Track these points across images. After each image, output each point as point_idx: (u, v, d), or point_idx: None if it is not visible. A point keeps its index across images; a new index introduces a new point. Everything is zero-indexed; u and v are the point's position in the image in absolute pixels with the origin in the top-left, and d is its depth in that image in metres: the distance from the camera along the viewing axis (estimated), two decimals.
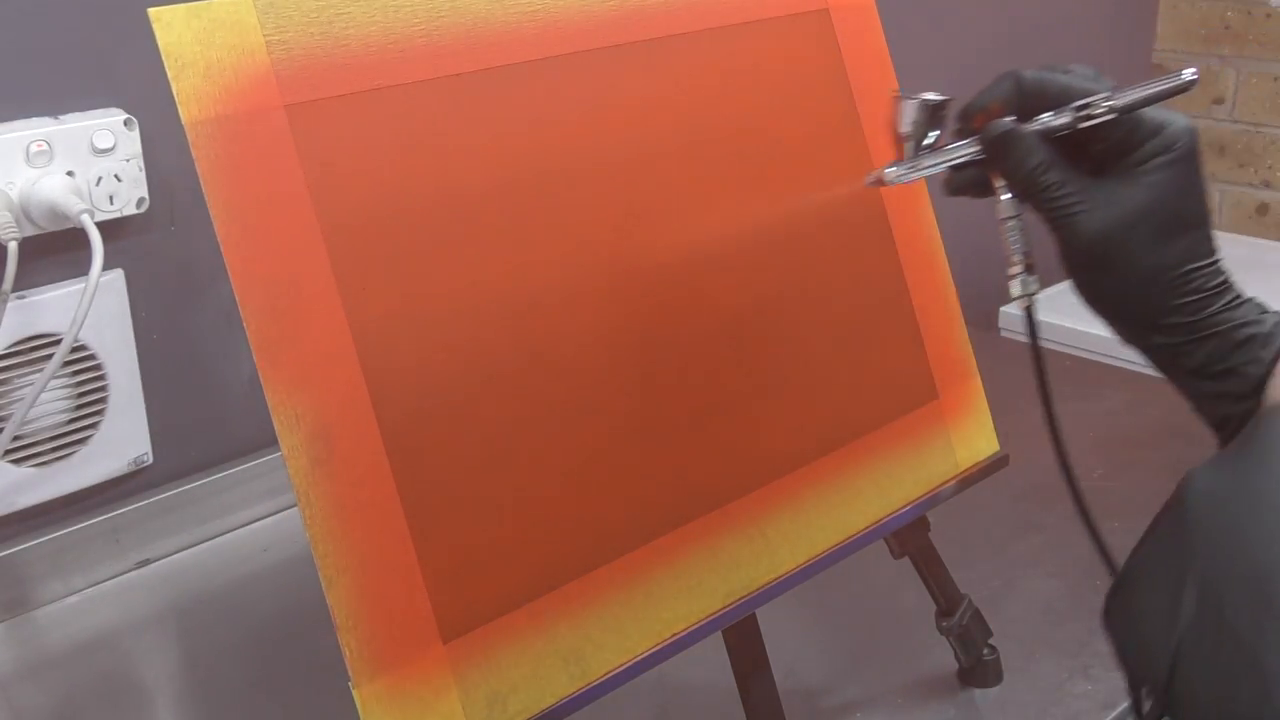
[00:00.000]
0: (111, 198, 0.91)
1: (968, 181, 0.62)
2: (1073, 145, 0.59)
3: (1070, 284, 0.60)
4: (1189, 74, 0.58)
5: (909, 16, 1.43)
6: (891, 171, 0.63)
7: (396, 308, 0.56)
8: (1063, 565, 0.94)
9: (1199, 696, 0.46)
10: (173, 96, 0.53)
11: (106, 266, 0.88)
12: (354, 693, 0.54)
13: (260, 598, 0.95)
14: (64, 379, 0.92)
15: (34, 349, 0.90)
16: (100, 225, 0.88)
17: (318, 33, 0.56)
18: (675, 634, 0.63)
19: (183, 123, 0.53)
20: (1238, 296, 0.59)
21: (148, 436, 0.98)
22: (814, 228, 0.72)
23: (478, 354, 0.59)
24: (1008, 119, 0.59)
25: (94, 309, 0.88)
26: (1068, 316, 1.49)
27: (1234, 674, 0.44)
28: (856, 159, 0.74)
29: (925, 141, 0.62)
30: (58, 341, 0.89)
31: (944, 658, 0.81)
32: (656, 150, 0.66)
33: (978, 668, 0.80)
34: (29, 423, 0.90)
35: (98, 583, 0.96)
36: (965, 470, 0.77)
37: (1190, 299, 0.58)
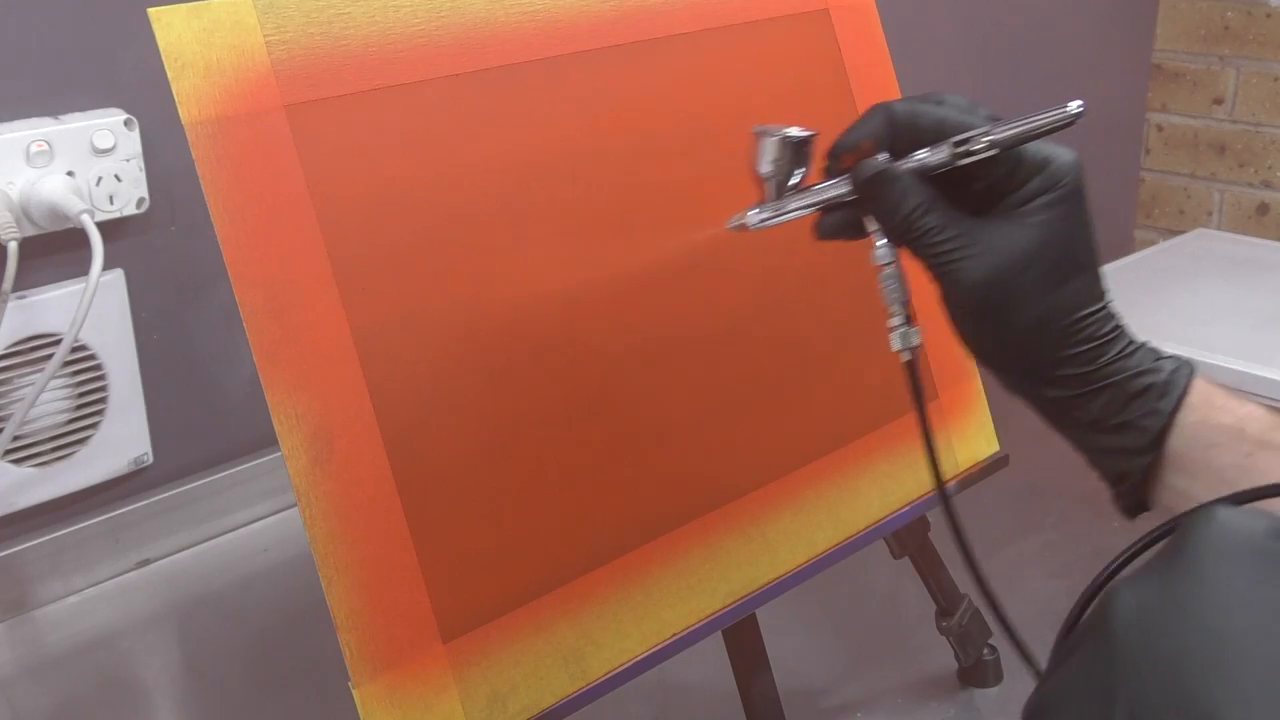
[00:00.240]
0: (112, 198, 0.91)
1: (840, 224, 0.57)
2: (951, 183, 0.55)
3: (954, 333, 0.56)
4: (1075, 106, 0.53)
5: (909, 16, 1.43)
6: (754, 215, 0.58)
7: (396, 308, 0.56)
8: (1063, 565, 0.94)
9: None
10: (173, 96, 0.53)
11: (106, 266, 0.88)
12: (354, 692, 0.54)
13: (260, 598, 0.95)
14: (64, 379, 0.92)
15: (34, 349, 0.90)
16: (100, 225, 0.88)
17: (318, 33, 0.56)
18: (675, 634, 0.63)
19: (183, 123, 0.53)
20: (1131, 343, 0.55)
21: (148, 436, 0.98)
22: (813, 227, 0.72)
23: (477, 354, 0.59)
24: (880, 157, 0.55)
25: (94, 309, 0.88)
26: None
27: None
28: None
29: (791, 181, 0.57)
30: (58, 341, 0.89)
31: (944, 658, 0.81)
32: (656, 150, 0.66)
33: (977, 668, 0.80)
34: (29, 423, 0.90)
35: (98, 583, 0.96)
36: (965, 470, 0.77)
37: (1083, 348, 0.54)
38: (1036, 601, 0.90)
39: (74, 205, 0.86)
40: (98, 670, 0.87)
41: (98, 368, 0.94)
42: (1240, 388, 1.30)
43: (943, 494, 0.57)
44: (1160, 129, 1.81)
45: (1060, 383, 0.55)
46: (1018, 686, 0.81)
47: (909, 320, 0.57)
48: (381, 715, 0.54)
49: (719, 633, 0.66)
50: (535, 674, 0.59)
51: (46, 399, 0.91)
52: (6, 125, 0.87)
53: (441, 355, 0.58)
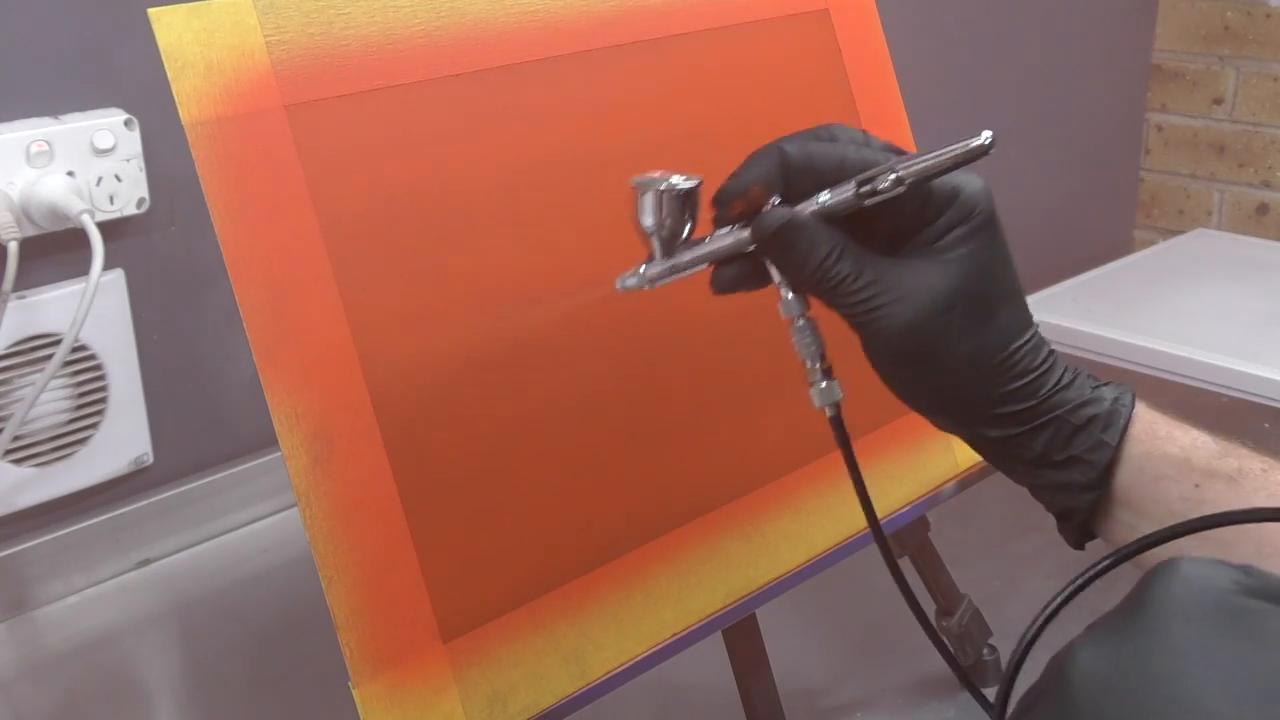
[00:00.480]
0: (112, 198, 0.91)
1: (738, 276, 0.53)
2: (858, 224, 0.51)
3: (881, 379, 0.54)
4: (985, 136, 0.49)
5: (909, 17, 1.43)
6: (645, 272, 0.54)
7: (396, 307, 0.56)
8: (1063, 565, 0.94)
9: None
10: (173, 96, 0.53)
11: (107, 266, 0.88)
12: (354, 692, 0.54)
13: (260, 598, 0.95)
14: (64, 379, 0.92)
15: (34, 349, 0.90)
16: (100, 225, 0.88)
17: (318, 33, 0.56)
18: (675, 634, 0.63)
19: (183, 123, 0.53)
20: (1066, 370, 0.53)
21: (148, 436, 0.98)
22: None
23: (477, 354, 0.59)
24: (775, 200, 0.51)
25: (94, 309, 0.88)
26: (1067, 316, 1.50)
27: None
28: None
29: (684, 234, 0.53)
30: (58, 341, 0.89)
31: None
32: (656, 150, 0.66)
33: (977, 667, 0.80)
34: (29, 423, 0.90)
35: (98, 583, 0.96)
36: (965, 470, 0.77)
37: (1019, 383, 0.52)
38: (1036, 601, 0.90)
39: (74, 205, 0.86)
40: (98, 670, 0.87)
41: (98, 368, 0.94)
42: (1240, 388, 1.30)
43: (875, 527, 0.56)
44: (1160, 129, 1.81)
45: (1000, 422, 0.52)
46: (1018, 686, 0.81)
47: (828, 374, 0.54)
48: (381, 715, 0.54)
49: (719, 633, 0.66)
50: (535, 674, 0.59)
51: (46, 399, 0.91)
52: (6, 125, 0.87)
53: (441, 355, 0.58)
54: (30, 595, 0.93)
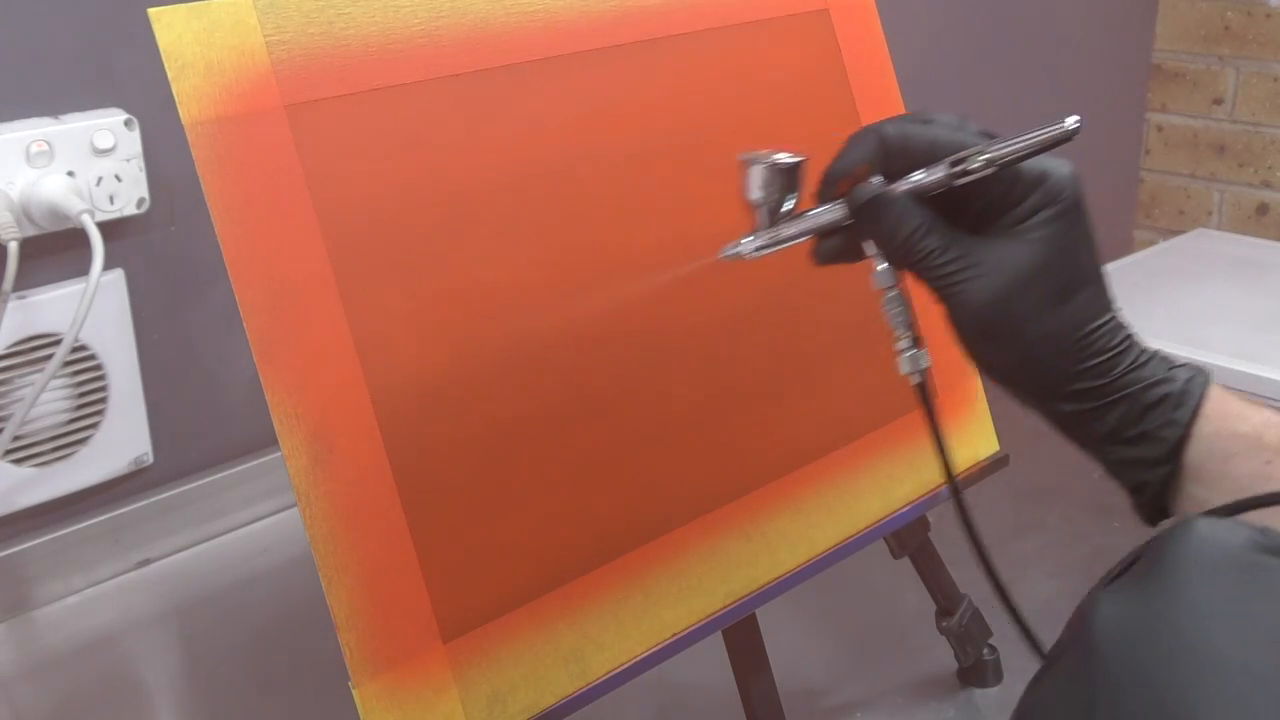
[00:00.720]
0: (112, 198, 0.91)
1: (836, 250, 0.57)
2: (949, 203, 0.54)
3: (964, 353, 0.56)
4: (1071, 122, 0.52)
5: (909, 17, 1.43)
6: (749, 243, 0.57)
7: (396, 307, 0.56)
8: (1063, 565, 0.94)
9: None
10: (173, 96, 0.53)
11: (107, 266, 0.88)
12: (354, 692, 0.54)
13: (260, 598, 0.95)
14: (64, 379, 0.92)
15: (34, 349, 0.90)
16: (100, 225, 0.88)
17: (318, 33, 0.56)
18: (675, 634, 0.63)
19: (183, 123, 0.53)
20: (1143, 352, 0.55)
21: (148, 436, 0.98)
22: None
23: (477, 353, 0.59)
24: (875, 180, 0.55)
25: (94, 309, 0.88)
26: None
27: None
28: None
29: (785, 207, 0.56)
30: (58, 341, 0.89)
31: (944, 658, 0.81)
32: (656, 150, 0.66)
33: (977, 667, 0.80)
34: (29, 423, 0.90)
35: (98, 583, 0.96)
36: (965, 470, 0.77)
37: (1095, 361, 0.54)
38: (1036, 601, 0.90)
39: (74, 205, 0.86)
40: (98, 670, 0.87)
41: (98, 368, 0.94)
42: (1240, 388, 1.30)
43: (959, 503, 0.58)
44: (1160, 129, 1.81)
45: (1074, 397, 0.54)
46: (1018, 686, 0.80)
47: (916, 343, 0.57)
48: (381, 715, 0.54)
49: (719, 633, 0.66)
50: (535, 674, 0.59)
51: (46, 399, 0.91)
52: (6, 125, 0.87)
53: (441, 355, 0.57)
54: (30, 595, 0.93)
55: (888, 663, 0.83)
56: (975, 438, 0.78)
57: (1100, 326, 0.54)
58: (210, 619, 0.93)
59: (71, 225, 0.87)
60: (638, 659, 0.62)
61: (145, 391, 0.97)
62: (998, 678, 0.81)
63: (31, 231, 0.88)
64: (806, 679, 0.82)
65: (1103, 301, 0.54)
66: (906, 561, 0.77)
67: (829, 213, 0.56)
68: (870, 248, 0.56)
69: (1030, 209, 0.53)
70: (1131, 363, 0.54)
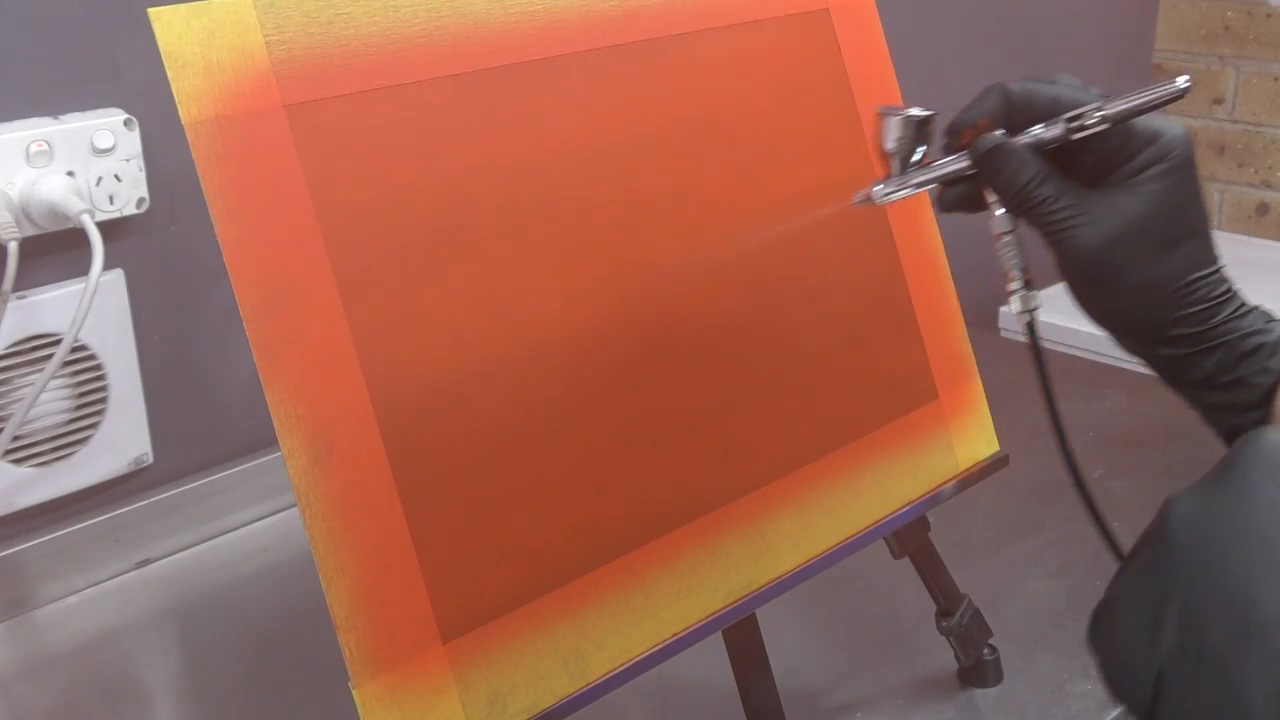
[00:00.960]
0: (111, 198, 0.91)
1: (959, 197, 0.61)
2: (1066, 157, 0.58)
3: (1071, 297, 0.59)
4: (1182, 81, 0.56)
5: (909, 16, 1.43)
6: (879, 189, 0.62)
7: (396, 307, 0.56)
8: (1063, 565, 0.94)
9: None
10: (173, 96, 0.53)
11: (106, 266, 0.88)
12: (354, 692, 0.54)
13: (260, 598, 0.95)
14: (64, 379, 0.92)
15: (34, 349, 0.90)
16: (100, 225, 0.88)
17: (318, 33, 0.56)
18: (675, 634, 0.63)
19: (183, 123, 0.53)
20: (1243, 305, 0.58)
21: (148, 436, 0.98)
22: (814, 227, 0.72)
23: (477, 353, 0.59)
24: (998, 133, 0.59)
25: (94, 309, 0.88)
26: (1068, 317, 1.49)
27: (1214, 703, 0.44)
28: (856, 159, 0.74)
29: (913, 158, 0.61)
30: (58, 341, 0.89)
31: (944, 658, 0.81)
32: (656, 150, 0.66)
33: (977, 668, 0.80)
34: (29, 423, 0.90)
35: (98, 583, 0.96)
36: (965, 470, 0.77)
37: (1194, 309, 0.57)
38: (1036, 601, 0.90)
39: (74, 205, 0.86)
40: (98, 670, 0.87)
41: (98, 368, 0.94)
42: None
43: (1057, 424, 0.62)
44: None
45: (1173, 342, 0.58)
46: (1018, 686, 0.81)
47: (1028, 285, 0.61)
48: (381, 715, 0.54)
49: (719, 633, 0.66)
50: (535, 674, 0.59)
51: (46, 399, 0.91)
52: (6, 125, 0.87)
53: (441, 355, 0.57)
54: (30, 595, 0.93)
55: (888, 663, 0.83)
56: (975, 438, 0.78)
57: (1202, 278, 0.57)
58: (210, 619, 0.93)
59: (71, 225, 0.87)
60: (638, 659, 0.62)
61: (145, 391, 0.97)
62: (998, 678, 0.81)
63: (31, 231, 0.88)
64: (806, 679, 0.82)
65: (1207, 255, 0.58)
66: (906, 561, 0.77)
67: (953, 162, 0.60)
68: (990, 195, 0.60)
69: (1141, 164, 0.57)
70: (1231, 313, 0.58)
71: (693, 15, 0.69)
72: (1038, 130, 0.58)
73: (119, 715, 0.83)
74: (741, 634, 0.67)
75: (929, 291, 0.77)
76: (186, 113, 0.53)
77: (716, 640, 0.66)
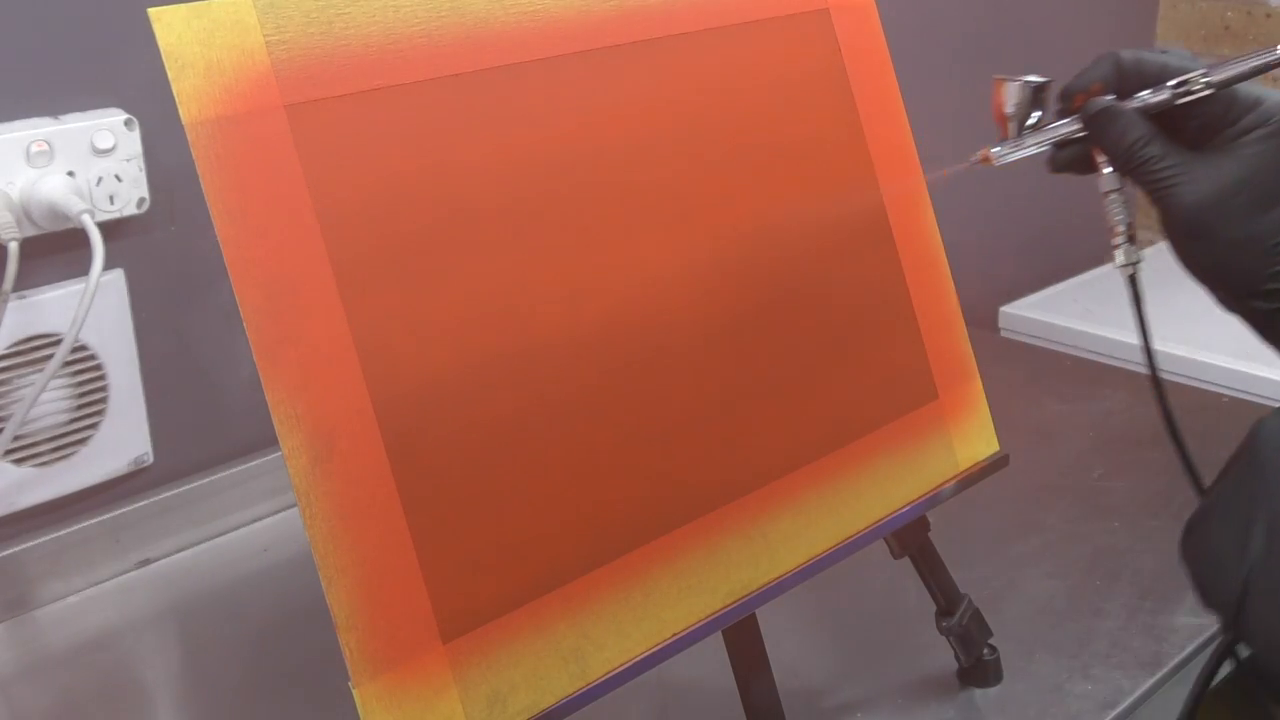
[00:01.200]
0: (112, 198, 0.91)
1: (1070, 159, 0.66)
2: (1172, 121, 0.63)
3: (1171, 252, 0.64)
4: None
5: (908, 16, 1.43)
6: (997, 150, 0.67)
7: (396, 307, 0.56)
8: (1063, 565, 0.94)
9: (1267, 627, 0.50)
10: (173, 96, 0.53)
11: (107, 266, 0.88)
12: (354, 692, 0.54)
13: (260, 598, 0.95)
14: (64, 379, 0.92)
15: (34, 349, 0.90)
16: (101, 225, 0.88)
17: (318, 33, 0.56)
18: (675, 634, 0.63)
19: (183, 123, 0.53)
20: None
21: (148, 436, 0.98)
22: (814, 228, 0.72)
23: (477, 353, 0.59)
24: (1107, 97, 0.63)
25: (94, 309, 0.88)
26: (1068, 317, 1.50)
27: None
28: (856, 159, 0.74)
29: (1029, 122, 0.66)
30: (58, 341, 0.89)
31: (944, 658, 0.81)
32: (656, 151, 0.66)
33: (978, 668, 0.80)
34: (29, 423, 0.90)
35: (98, 583, 0.96)
36: (965, 470, 0.77)
37: None
38: (1036, 601, 0.90)
39: (74, 205, 0.86)
40: (98, 670, 0.87)
41: (98, 368, 0.94)
42: (1240, 387, 1.30)
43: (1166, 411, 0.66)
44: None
45: (1267, 296, 0.61)
46: (1018, 686, 0.81)
47: (1131, 240, 0.66)
48: (381, 715, 0.54)
49: (719, 633, 0.66)
50: (535, 674, 0.59)
51: (46, 399, 0.91)
52: (6, 125, 0.87)
53: (441, 355, 0.58)
54: (30, 595, 0.93)
55: (888, 663, 0.83)
56: (975, 438, 0.78)
57: None
58: (210, 619, 0.93)
59: (71, 225, 0.87)
60: (638, 659, 0.62)
61: (145, 391, 0.97)
62: (998, 678, 0.81)
63: (31, 231, 0.88)
64: (806, 679, 0.82)
65: None
66: (906, 561, 0.77)
67: (1065, 125, 0.65)
68: (1099, 155, 0.65)
69: (1243, 129, 0.61)
70: None
71: (692, 15, 0.69)
72: (1145, 95, 0.63)
73: (119, 715, 0.83)
74: (741, 634, 0.67)
75: (929, 291, 0.77)
76: (187, 113, 0.53)
77: (716, 640, 0.66)
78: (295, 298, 0.54)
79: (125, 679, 0.87)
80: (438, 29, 0.60)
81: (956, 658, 0.81)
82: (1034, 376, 1.28)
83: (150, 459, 0.99)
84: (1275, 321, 0.62)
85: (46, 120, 0.88)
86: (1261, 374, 1.30)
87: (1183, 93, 0.61)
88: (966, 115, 1.56)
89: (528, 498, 0.59)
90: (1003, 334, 1.51)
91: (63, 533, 0.94)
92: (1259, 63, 0.61)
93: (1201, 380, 1.30)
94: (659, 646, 0.63)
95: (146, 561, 0.98)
